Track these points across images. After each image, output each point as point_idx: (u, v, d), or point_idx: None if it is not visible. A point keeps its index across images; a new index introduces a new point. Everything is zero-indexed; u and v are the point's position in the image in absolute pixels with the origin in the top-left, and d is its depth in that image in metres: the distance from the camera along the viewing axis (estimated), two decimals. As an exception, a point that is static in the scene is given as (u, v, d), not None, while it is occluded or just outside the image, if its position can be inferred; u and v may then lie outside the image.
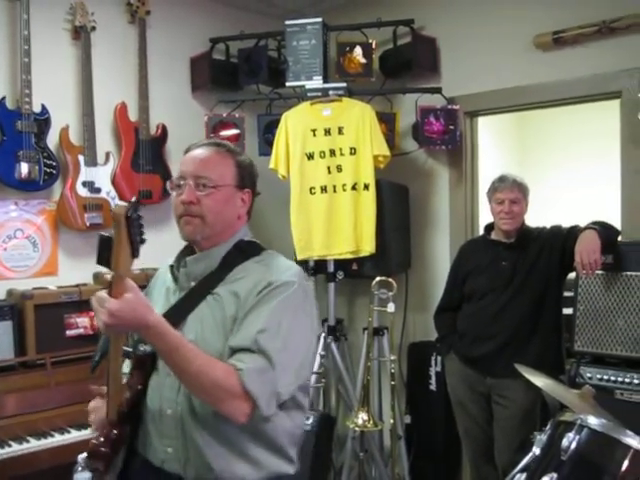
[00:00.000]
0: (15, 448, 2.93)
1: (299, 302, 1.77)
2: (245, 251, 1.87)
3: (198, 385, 1.64)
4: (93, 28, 3.70)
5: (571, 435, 2.16)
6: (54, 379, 3.27)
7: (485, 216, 3.71)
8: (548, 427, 2.39)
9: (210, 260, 1.84)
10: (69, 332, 3.47)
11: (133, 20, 3.92)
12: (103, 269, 3.71)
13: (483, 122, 4.12)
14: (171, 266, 1.94)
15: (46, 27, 3.58)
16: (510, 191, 3.30)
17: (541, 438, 2.34)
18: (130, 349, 1.83)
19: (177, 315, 1.78)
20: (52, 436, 3.05)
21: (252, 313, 1.71)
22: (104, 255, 1.49)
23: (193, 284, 1.84)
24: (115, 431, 1.74)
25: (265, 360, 1.65)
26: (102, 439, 1.74)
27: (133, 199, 1.56)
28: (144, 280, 3.62)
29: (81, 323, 3.51)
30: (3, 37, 3.48)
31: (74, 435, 3.09)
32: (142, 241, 1.60)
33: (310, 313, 1.82)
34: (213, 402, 1.66)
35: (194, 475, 1.74)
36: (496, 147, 4.96)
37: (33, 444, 2.98)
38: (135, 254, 1.59)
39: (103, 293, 1.55)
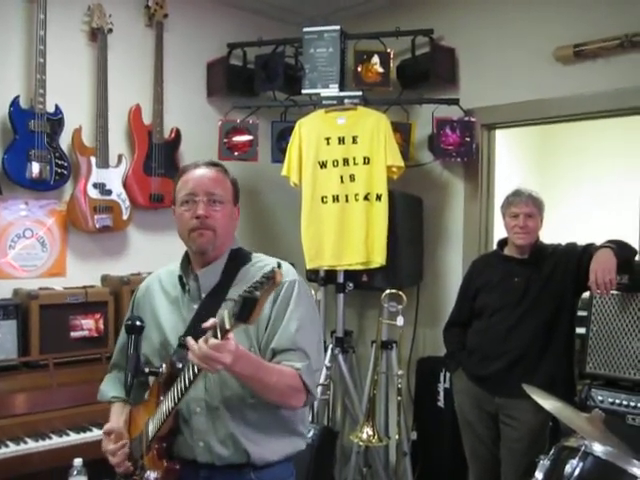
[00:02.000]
0: (12, 449, 2.90)
1: (306, 297, 2.06)
2: (239, 258, 2.08)
3: (276, 392, 1.90)
4: (110, 30, 3.70)
5: (574, 462, 2.09)
6: (56, 380, 3.24)
7: (500, 231, 3.64)
8: (552, 452, 2.31)
9: (215, 272, 2.03)
10: (74, 334, 3.45)
11: (150, 23, 3.92)
12: (112, 271, 3.74)
13: (501, 135, 4.05)
14: (180, 276, 2.09)
15: (63, 28, 3.59)
16: (525, 205, 3.23)
17: (544, 463, 2.27)
18: (155, 368, 2.00)
19: (200, 326, 1.86)
20: (50, 438, 3.02)
21: (280, 316, 1.96)
22: (245, 313, 1.58)
23: (204, 295, 2.03)
24: (165, 444, 1.97)
25: (305, 355, 1.94)
26: (158, 456, 1.96)
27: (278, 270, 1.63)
28: (138, 285, 3.60)
29: (86, 325, 3.49)
30: (19, 37, 3.49)
31: (72, 438, 3.06)
32: None
33: (312, 302, 2.15)
34: (282, 400, 1.94)
35: (227, 461, 1.96)
36: (514, 161, 4.88)
37: (30, 445, 2.95)
38: None
39: (217, 340, 1.67)
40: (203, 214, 1.96)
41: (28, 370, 3.27)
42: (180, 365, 1.89)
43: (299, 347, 1.94)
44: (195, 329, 1.89)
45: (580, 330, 3.29)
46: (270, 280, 1.58)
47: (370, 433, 3.51)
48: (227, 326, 1.63)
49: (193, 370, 1.77)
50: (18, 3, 3.47)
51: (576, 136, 4.94)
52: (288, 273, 2.00)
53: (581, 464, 2.08)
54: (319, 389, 3.64)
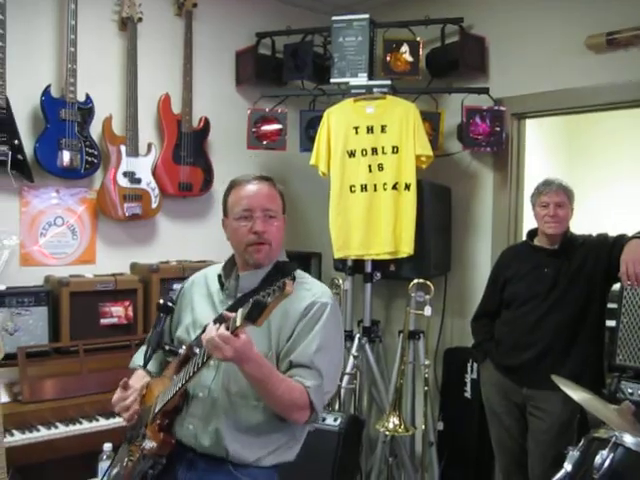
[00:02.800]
0: (43, 433, 2.96)
1: (335, 321, 2.11)
2: (282, 270, 2.12)
3: (279, 403, 1.94)
4: (140, 19, 3.72)
5: (605, 453, 2.07)
6: (86, 366, 3.29)
7: (529, 222, 3.61)
8: (582, 443, 2.29)
9: (257, 277, 2.12)
10: (103, 320, 3.50)
11: (180, 12, 3.93)
12: (141, 259, 3.77)
13: (531, 125, 4.00)
14: (219, 275, 2.20)
15: (93, 17, 3.62)
16: (555, 194, 3.20)
17: (574, 454, 2.25)
18: (174, 347, 2.15)
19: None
20: (80, 423, 3.07)
21: (305, 334, 2.02)
22: (255, 314, 1.68)
23: (240, 295, 2.11)
24: (167, 420, 2.05)
25: (319, 375, 1.98)
26: (159, 428, 2.03)
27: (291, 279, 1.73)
28: (180, 272, 3.67)
29: (115, 312, 3.53)
30: (51, 26, 3.52)
31: (102, 423, 3.11)
32: None
33: (340, 328, 2.18)
34: (285, 412, 1.98)
35: (205, 451, 2.03)
36: (544, 151, 4.82)
37: (61, 430, 3.01)
38: None
39: (227, 332, 1.76)
40: (261, 230, 2.06)
41: (59, 356, 3.33)
42: (197, 350, 1.95)
43: (315, 366, 1.99)
44: (221, 322, 1.95)
45: (610, 322, 3.26)
46: (280, 289, 1.66)
47: (396, 423, 3.50)
48: (237, 323, 1.73)
49: (203, 356, 1.85)
50: (50, -7, 3.51)
51: (608, 126, 4.87)
52: (323, 295, 2.10)
53: (611, 455, 2.06)
54: (346, 378, 3.67)
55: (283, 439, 2.07)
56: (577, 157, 5.34)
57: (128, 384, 2.15)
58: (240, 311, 1.73)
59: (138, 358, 2.32)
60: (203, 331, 1.97)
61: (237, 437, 2.01)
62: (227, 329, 1.76)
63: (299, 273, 2.17)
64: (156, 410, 2.04)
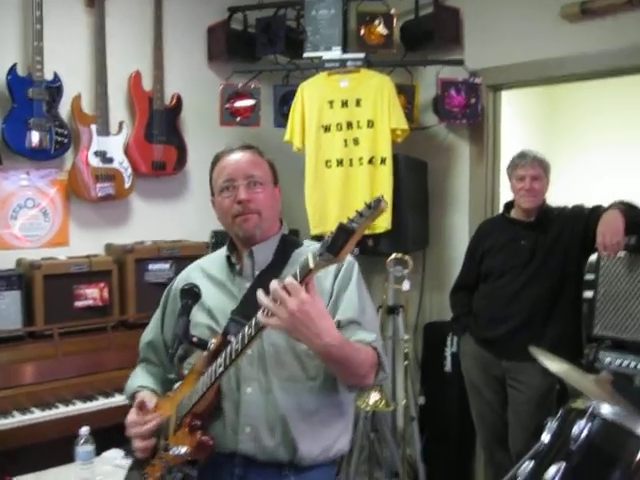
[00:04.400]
0: (19, 418, 2.93)
1: (361, 277, 1.94)
2: (290, 242, 2.00)
3: (361, 372, 1.75)
4: (108, -5, 3.64)
5: (582, 423, 2.04)
6: (61, 350, 3.25)
7: (506, 194, 3.60)
8: (559, 414, 2.29)
9: (269, 250, 1.95)
10: (78, 303, 3.44)
11: (149, -13, 3.84)
12: (115, 240, 3.71)
13: (508, 97, 3.98)
14: (228, 256, 2.01)
15: (60, -7, 3.52)
16: (531, 167, 3.19)
17: (552, 425, 2.24)
18: (206, 339, 1.84)
19: (254, 301, 1.72)
20: (56, 407, 3.04)
21: (343, 290, 1.86)
22: (338, 243, 1.41)
23: (257, 273, 1.93)
24: (199, 422, 1.77)
25: (371, 330, 1.84)
26: (190, 430, 1.76)
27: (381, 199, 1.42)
28: (155, 252, 3.63)
29: (90, 294, 3.47)
30: (15, 3, 3.44)
31: (79, 407, 3.08)
32: None
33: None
34: (363, 380, 1.79)
35: (269, 455, 1.81)
36: (521, 123, 4.79)
37: (37, 415, 2.98)
38: None
39: (295, 281, 1.52)
40: (245, 198, 1.88)
41: (33, 340, 3.28)
42: (232, 339, 1.70)
43: (364, 321, 1.84)
44: (247, 305, 1.81)
45: (587, 294, 3.25)
46: (374, 210, 1.39)
47: (377, 398, 3.49)
48: (310, 264, 1.48)
49: (253, 329, 1.60)
50: (14, -32, 3.41)
51: (586, 95, 4.84)
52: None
53: (589, 425, 2.04)
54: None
55: (342, 422, 1.91)
56: (557, 127, 5.31)
57: (146, 405, 1.90)
58: (311, 253, 1.48)
59: (133, 380, 2.08)
60: (232, 319, 1.83)
61: (303, 429, 1.81)
62: (294, 278, 1.52)
63: (308, 242, 2.06)
64: (183, 413, 1.79)
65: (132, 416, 1.90)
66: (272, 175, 2.01)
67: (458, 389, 3.70)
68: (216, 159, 2.00)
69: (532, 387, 3.18)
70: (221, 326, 1.87)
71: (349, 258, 1.90)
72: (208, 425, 1.81)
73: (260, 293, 1.57)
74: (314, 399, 1.83)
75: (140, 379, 2.07)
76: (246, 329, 1.63)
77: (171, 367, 1.83)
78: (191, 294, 1.88)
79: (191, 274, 2.07)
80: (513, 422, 3.30)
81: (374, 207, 1.39)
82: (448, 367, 3.86)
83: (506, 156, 3.69)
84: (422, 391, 3.98)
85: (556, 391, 3.26)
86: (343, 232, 1.40)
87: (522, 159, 3.23)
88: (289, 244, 1.98)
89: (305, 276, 1.51)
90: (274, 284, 1.54)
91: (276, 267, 1.91)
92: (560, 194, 3.39)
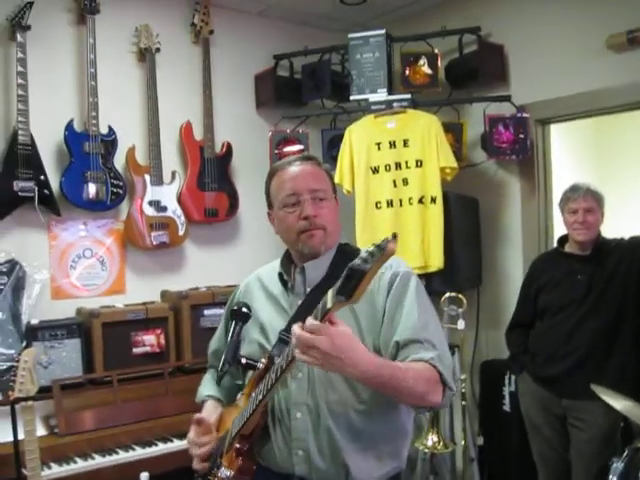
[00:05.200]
0: (80, 465, 2.96)
1: (422, 288, 1.84)
2: (347, 253, 1.88)
3: (415, 392, 1.65)
4: (158, 50, 3.77)
5: (648, 463, 2.00)
6: (120, 396, 3.29)
7: (560, 229, 3.55)
8: (625, 454, 2.23)
9: (323, 265, 1.88)
10: (136, 350, 3.50)
11: (197, 40, 3.97)
12: (170, 287, 3.77)
13: (557, 130, 3.94)
14: (280, 274, 1.95)
15: (112, 50, 3.67)
16: (583, 200, 3.14)
17: (617, 466, 2.18)
18: (253, 361, 1.83)
19: (303, 320, 1.71)
20: (117, 453, 3.07)
21: (400, 308, 1.76)
22: (349, 286, 1.38)
23: (309, 289, 1.87)
24: (247, 445, 1.78)
25: (432, 347, 1.71)
26: (236, 454, 1.77)
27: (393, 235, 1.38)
28: (210, 298, 3.67)
29: (147, 341, 3.53)
30: (71, 62, 3.59)
31: (138, 453, 3.10)
32: None
33: (427, 294, 1.88)
34: (423, 400, 1.68)
35: (322, 475, 1.78)
36: (572, 156, 4.73)
37: (98, 461, 3.01)
38: None
39: (316, 321, 1.48)
40: (312, 214, 1.81)
41: (93, 387, 3.34)
42: (279, 362, 1.67)
43: (425, 338, 1.72)
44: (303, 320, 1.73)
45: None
46: (382, 250, 1.34)
47: (435, 440, 3.45)
48: (328, 305, 1.43)
49: (285, 362, 1.59)
50: (67, 29, 3.57)
51: (634, 125, 4.77)
52: (401, 265, 1.83)
53: (655, 466, 1.98)
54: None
55: (399, 440, 1.85)
56: (608, 157, 5.22)
57: (203, 420, 1.91)
58: (330, 291, 1.43)
59: (204, 389, 2.12)
60: (281, 339, 1.80)
61: (356, 449, 1.76)
62: (315, 318, 1.49)
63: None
64: (232, 435, 1.81)
65: (191, 434, 1.91)
66: (332, 186, 1.94)
67: (518, 428, 3.59)
68: (274, 171, 1.93)
69: (595, 425, 3.08)
70: (272, 344, 1.85)
71: (405, 268, 1.82)
72: (257, 447, 1.82)
73: (294, 330, 1.51)
74: (366, 421, 1.78)
75: (207, 388, 2.10)
76: (280, 359, 1.62)
77: (237, 374, 1.87)
78: (240, 315, 1.88)
79: (250, 284, 2.06)
80: (576, 462, 3.19)
81: (383, 248, 1.34)
82: (507, 406, 3.77)
83: (558, 190, 3.66)
84: (481, 431, 3.90)
85: (621, 429, 3.15)
86: (354, 274, 1.36)
87: (574, 192, 3.18)
88: (344, 256, 1.84)
89: (325, 315, 1.47)
90: (296, 329, 1.50)
91: (328, 283, 1.71)
92: (614, 226, 3.32)
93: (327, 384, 1.78)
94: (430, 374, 1.67)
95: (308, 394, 1.79)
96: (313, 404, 1.78)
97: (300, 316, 1.75)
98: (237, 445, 1.78)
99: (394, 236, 1.36)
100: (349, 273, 1.37)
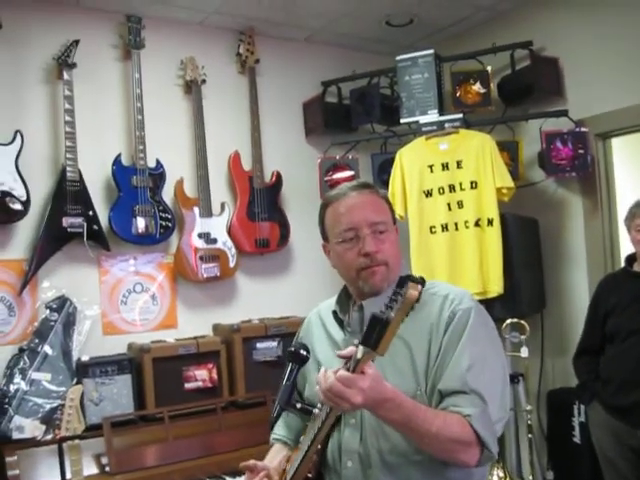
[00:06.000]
0: (130, 505, 2.89)
1: (485, 326, 1.69)
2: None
3: (437, 444, 1.54)
4: (204, 81, 3.77)
5: None
6: (172, 433, 3.22)
7: (627, 247, 3.35)
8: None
9: (383, 302, 1.68)
10: (187, 385, 3.44)
11: (243, 70, 3.95)
12: (222, 320, 3.71)
13: (619, 144, 3.75)
14: (334, 312, 1.84)
15: (158, 84, 3.69)
16: None
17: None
18: (309, 406, 1.71)
19: None
20: (169, 492, 2.99)
21: (450, 352, 1.63)
22: (373, 335, 1.33)
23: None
24: None
25: (479, 399, 1.57)
26: None
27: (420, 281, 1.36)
28: (262, 331, 3.60)
29: (199, 376, 3.47)
30: (118, 96, 3.61)
31: (191, 492, 3.01)
32: None
33: (492, 337, 1.72)
34: (447, 455, 1.57)
35: None
36: (637, 171, 4.52)
37: (150, 500, 2.93)
38: None
39: (346, 372, 1.43)
40: (373, 250, 1.69)
41: (144, 424, 3.28)
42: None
43: (472, 389, 1.58)
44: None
45: None
46: (402, 296, 1.30)
47: (501, 475, 3.29)
48: (358, 355, 1.39)
49: (326, 413, 1.52)
50: (113, 64, 3.60)
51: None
52: (463, 300, 1.69)
53: None
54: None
55: None
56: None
57: (257, 467, 1.79)
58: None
59: (278, 428, 1.98)
60: None
61: None
62: (348, 369, 1.43)
63: (433, 283, 1.75)
64: None
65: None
66: (392, 215, 1.80)
67: (590, 462, 3.37)
68: (328, 202, 1.81)
69: (674, 459, 2.87)
70: None
71: (466, 305, 1.67)
72: None
73: (319, 378, 1.47)
74: (420, 475, 1.62)
75: (277, 429, 1.98)
76: (322, 407, 1.53)
77: (306, 416, 1.72)
78: (297, 358, 1.76)
79: (311, 320, 1.97)
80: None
81: (402, 295, 1.30)
82: (577, 438, 3.54)
83: (623, 207, 3.46)
84: (550, 465, 3.67)
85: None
86: (377, 324, 1.31)
87: (638, 208, 3.00)
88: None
89: (356, 366, 1.41)
90: (329, 378, 1.44)
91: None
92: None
93: (379, 432, 1.65)
94: (461, 431, 1.53)
95: (360, 442, 1.68)
96: (365, 452, 1.66)
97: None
98: None
99: (418, 281, 1.32)
100: (372, 323, 1.32)
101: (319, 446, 1.68)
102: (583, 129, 3.53)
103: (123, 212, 3.46)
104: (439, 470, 1.62)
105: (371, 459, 1.65)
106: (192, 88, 3.72)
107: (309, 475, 1.71)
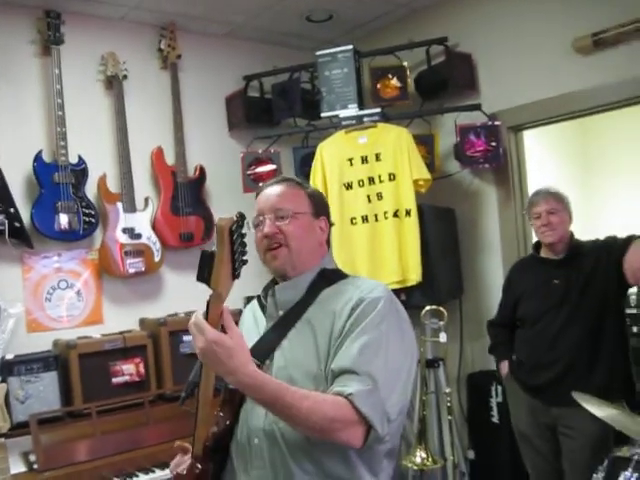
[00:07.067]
0: (59, 501, 2.90)
1: (392, 314, 1.71)
2: (330, 278, 1.83)
3: (311, 425, 1.56)
4: (125, 77, 3.76)
5: (628, 473, 1.95)
6: (100, 428, 3.23)
7: (538, 234, 3.51)
8: (605, 464, 2.17)
9: (297, 288, 1.82)
10: (115, 380, 3.44)
11: (165, 65, 3.96)
12: (149, 314, 3.73)
13: (531, 136, 3.93)
14: (259, 296, 1.93)
15: (78, 79, 3.66)
16: (545, 202, 3.13)
17: (598, 476, 2.13)
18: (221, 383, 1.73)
19: (268, 344, 1.77)
20: (96, 487, 3.00)
21: (349, 334, 1.66)
22: (204, 271, 1.43)
23: (281, 313, 1.82)
24: (199, 466, 1.72)
25: (370, 380, 1.58)
26: (185, 473, 1.73)
27: (237, 214, 1.48)
28: (175, 326, 3.60)
29: (127, 370, 3.48)
30: (38, 92, 3.57)
31: (120, 485, 3.04)
32: (244, 262, 1.54)
33: (402, 328, 1.73)
34: (328, 436, 1.58)
35: None
36: (548, 161, 4.72)
37: (77, 496, 2.94)
38: (235, 274, 1.53)
39: (202, 319, 1.51)
40: (268, 231, 1.78)
41: (72, 420, 3.27)
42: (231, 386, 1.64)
43: (363, 370, 1.59)
44: (258, 348, 1.73)
45: (635, 329, 3.13)
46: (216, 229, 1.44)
47: (424, 456, 3.39)
48: (208, 298, 1.49)
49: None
50: (32, 60, 3.56)
51: (609, 127, 4.76)
52: (373, 290, 1.71)
53: (636, 475, 1.93)
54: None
55: (359, 473, 1.67)
56: (588, 162, 5.22)
57: (187, 448, 1.83)
58: None
59: None
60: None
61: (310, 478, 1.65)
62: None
63: (356, 278, 1.84)
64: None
65: (174, 460, 1.87)
66: (312, 206, 1.85)
67: (508, 440, 3.53)
68: (257, 194, 1.91)
69: (585, 433, 3.00)
70: None
71: (376, 294, 1.70)
72: (208, 470, 1.75)
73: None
74: (321, 454, 1.64)
75: None
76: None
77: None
78: None
79: (245, 311, 2.04)
80: (569, 472, 3.12)
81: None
82: (495, 418, 3.72)
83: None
84: (471, 445, 3.84)
85: (613, 436, 3.08)
86: (204, 259, 1.44)
87: (535, 196, 3.20)
88: (327, 279, 1.82)
89: (207, 310, 1.50)
90: (192, 319, 1.54)
91: (300, 307, 1.79)
92: (593, 224, 3.28)
93: (258, 455, 1.71)
94: (338, 410, 1.55)
95: (264, 420, 1.71)
96: (269, 428, 1.70)
97: (264, 340, 1.78)
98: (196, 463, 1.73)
99: (237, 217, 1.46)
100: (201, 258, 1.45)
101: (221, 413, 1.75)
102: (496, 122, 3.69)
103: (45, 209, 3.43)
104: (335, 449, 1.63)
105: (275, 435, 1.68)
106: (113, 83, 3.70)
107: (207, 444, 1.73)
